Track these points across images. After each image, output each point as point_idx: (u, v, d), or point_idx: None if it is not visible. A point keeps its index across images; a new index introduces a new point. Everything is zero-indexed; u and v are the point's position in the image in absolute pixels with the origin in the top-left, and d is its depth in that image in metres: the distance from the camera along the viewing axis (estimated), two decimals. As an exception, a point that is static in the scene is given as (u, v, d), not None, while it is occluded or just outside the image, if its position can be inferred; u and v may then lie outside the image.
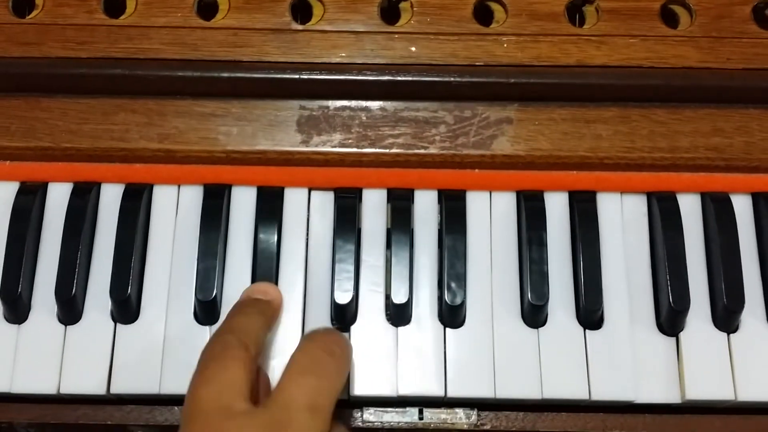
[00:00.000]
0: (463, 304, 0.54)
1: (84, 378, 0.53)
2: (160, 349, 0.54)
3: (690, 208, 0.57)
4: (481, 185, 0.58)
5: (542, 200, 0.57)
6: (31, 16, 0.58)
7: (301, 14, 0.59)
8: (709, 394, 0.54)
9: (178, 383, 0.52)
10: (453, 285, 0.55)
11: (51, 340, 0.54)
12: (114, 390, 0.53)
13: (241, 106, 0.57)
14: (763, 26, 0.58)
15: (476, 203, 0.57)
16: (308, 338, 0.49)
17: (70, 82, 0.56)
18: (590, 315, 0.54)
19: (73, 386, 0.53)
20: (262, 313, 0.51)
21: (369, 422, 0.55)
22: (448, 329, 0.55)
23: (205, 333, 0.54)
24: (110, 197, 0.57)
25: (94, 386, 0.53)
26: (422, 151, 0.57)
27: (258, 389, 0.50)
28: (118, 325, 0.54)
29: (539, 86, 0.56)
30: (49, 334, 0.54)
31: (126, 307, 0.54)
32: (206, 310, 0.54)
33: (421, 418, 0.55)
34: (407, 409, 0.55)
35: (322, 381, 0.46)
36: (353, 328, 0.55)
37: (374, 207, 0.57)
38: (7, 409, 0.55)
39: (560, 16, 0.58)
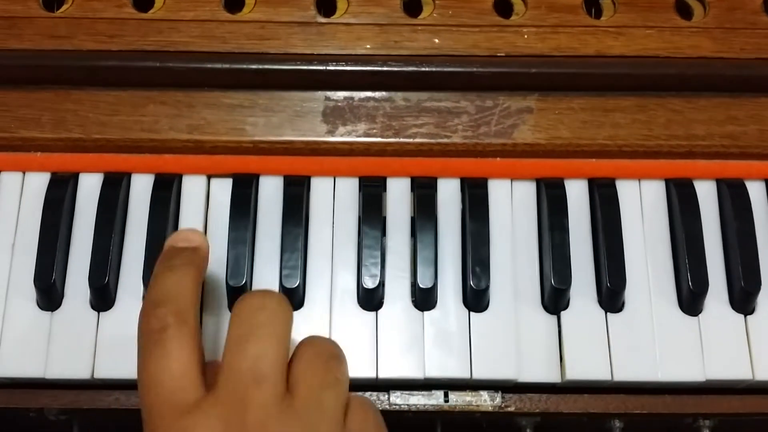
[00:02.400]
0: (487, 288, 0.56)
1: (117, 362, 0.54)
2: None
3: (706, 194, 0.59)
4: (502, 173, 0.59)
5: (563, 187, 0.58)
6: (61, 10, 0.59)
7: (326, 7, 0.60)
8: (728, 374, 0.55)
9: (210, 367, 0.53)
10: (477, 270, 0.56)
11: (84, 326, 0.55)
12: (147, 374, 0.54)
13: (267, 97, 0.59)
14: (775, 17, 0.60)
15: (498, 191, 0.59)
16: (238, 301, 0.46)
17: (100, 75, 0.58)
18: (614, 297, 0.55)
19: (106, 371, 0.54)
20: (191, 263, 0.48)
21: (396, 405, 0.56)
22: (472, 313, 0.56)
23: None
24: (140, 187, 0.58)
25: (128, 370, 0.54)
26: (445, 140, 0.58)
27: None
28: (151, 311, 0.56)
29: (559, 76, 0.58)
30: (83, 321, 0.55)
31: (158, 294, 0.55)
32: (237, 296, 0.55)
33: (446, 401, 0.56)
34: (433, 392, 0.56)
35: (261, 344, 0.43)
36: (380, 312, 0.56)
37: (398, 195, 0.59)
38: (40, 395, 0.56)
39: (578, 8, 0.60)
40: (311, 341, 0.47)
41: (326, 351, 0.47)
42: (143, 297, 0.56)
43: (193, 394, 0.43)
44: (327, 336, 0.55)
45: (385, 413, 0.56)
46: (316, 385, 0.45)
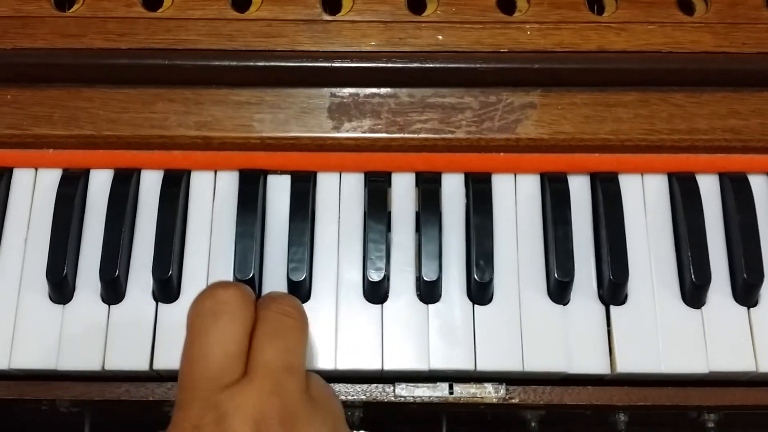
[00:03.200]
0: (491, 281, 0.56)
1: (127, 355, 0.55)
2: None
3: (709, 187, 0.59)
4: (506, 168, 0.60)
5: (566, 182, 0.59)
6: (72, 9, 0.60)
7: (331, 5, 0.61)
8: (732, 366, 0.55)
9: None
10: (481, 263, 0.57)
11: (95, 319, 0.56)
12: (156, 366, 0.55)
13: (274, 94, 0.60)
14: (776, 13, 0.60)
15: (502, 185, 0.60)
16: (264, 305, 0.49)
17: (110, 73, 0.59)
18: (617, 289, 0.56)
19: (117, 363, 0.55)
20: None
21: (401, 397, 0.57)
22: (476, 306, 0.57)
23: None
24: (150, 183, 0.59)
25: (138, 363, 0.55)
26: (449, 135, 0.59)
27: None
28: (160, 304, 0.57)
29: (562, 71, 0.58)
30: (94, 314, 0.56)
31: (167, 287, 0.56)
32: (244, 289, 0.56)
33: (451, 393, 0.57)
34: (438, 384, 0.57)
35: (289, 342, 0.47)
36: (385, 305, 0.57)
37: (403, 190, 0.59)
38: (52, 387, 0.57)
39: (580, 4, 0.60)
40: (273, 305, 0.49)
41: (289, 316, 0.49)
42: (153, 290, 0.57)
43: (236, 374, 0.46)
44: (333, 328, 0.56)
45: (390, 405, 0.57)
46: (324, 386, 0.49)
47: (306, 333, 0.49)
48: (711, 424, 0.59)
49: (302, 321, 0.49)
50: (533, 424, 0.59)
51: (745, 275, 0.56)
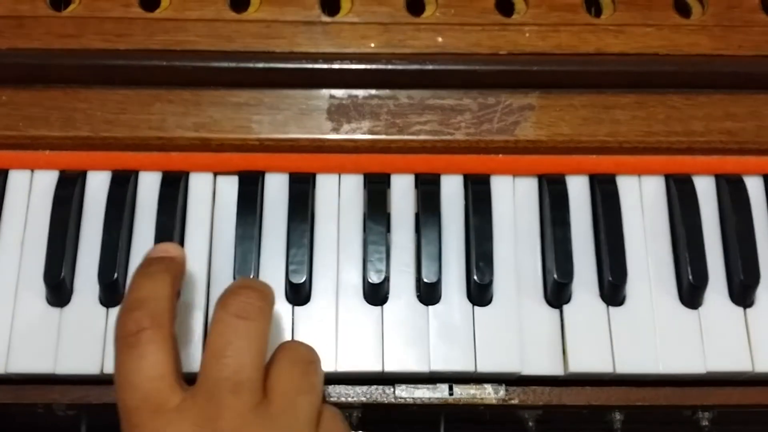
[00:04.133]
0: (491, 282, 0.57)
1: (127, 358, 0.55)
2: (200, 330, 0.55)
3: (705, 189, 0.60)
4: (504, 170, 0.60)
5: (564, 183, 0.59)
6: (69, 9, 0.60)
7: (330, 7, 0.61)
8: (729, 366, 0.56)
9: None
10: (481, 264, 0.57)
11: (93, 322, 0.56)
12: (156, 369, 0.55)
13: (273, 95, 0.59)
14: (772, 16, 0.61)
15: (500, 187, 0.60)
16: (220, 305, 0.47)
17: (108, 73, 0.58)
18: (615, 290, 0.56)
19: (116, 366, 0.55)
20: (167, 270, 0.50)
21: (401, 398, 0.57)
22: (476, 307, 0.57)
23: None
24: (148, 185, 0.59)
25: (137, 366, 0.55)
26: (448, 137, 0.59)
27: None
28: (159, 306, 0.56)
29: (561, 74, 0.59)
30: (92, 316, 0.56)
31: (167, 289, 0.56)
32: (245, 291, 0.56)
33: (451, 394, 0.57)
34: (438, 385, 0.57)
35: (240, 356, 0.45)
36: (385, 307, 0.57)
37: (403, 191, 0.59)
38: (49, 391, 0.56)
39: (578, 6, 0.61)
40: (289, 347, 0.49)
41: (303, 357, 0.48)
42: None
43: (168, 396, 0.45)
44: (333, 330, 0.56)
45: (390, 406, 0.57)
46: (291, 391, 0.46)
47: (265, 337, 0.47)
48: (705, 422, 0.59)
49: (260, 324, 0.47)
50: (531, 423, 0.60)
51: (741, 276, 0.57)
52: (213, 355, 0.45)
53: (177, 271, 0.51)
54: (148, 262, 0.51)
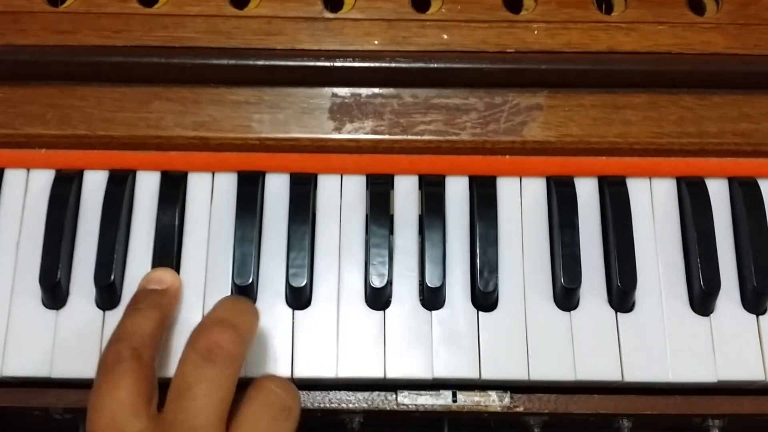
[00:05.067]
0: (496, 287, 0.55)
1: (123, 362, 0.54)
2: (197, 334, 0.54)
3: (718, 192, 0.58)
4: (511, 171, 0.58)
5: (573, 185, 0.58)
6: (65, 5, 0.59)
7: (333, 3, 0.60)
8: (740, 375, 0.54)
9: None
10: (486, 269, 0.55)
11: (90, 325, 0.55)
12: (153, 374, 0.54)
13: (273, 93, 0.58)
14: (789, 14, 0.59)
15: (507, 189, 0.58)
16: (190, 342, 0.47)
17: (105, 71, 0.57)
18: (624, 296, 0.55)
19: (112, 370, 0.54)
20: (156, 306, 0.51)
21: (403, 405, 0.56)
22: (481, 312, 0.55)
23: (242, 317, 0.55)
24: (146, 185, 0.58)
25: (134, 370, 0.54)
26: (453, 137, 0.58)
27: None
28: (156, 310, 0.55)
29: (570, 73, 0.57)
30: (88, 319, 0.55)
31: (164, 292, 0.55)
32: (243, 295, 0.55)
33: (455, 401, 0.56)
34: (441, 392, 0.56)
35: (199, 400, 0.45)
36: (388, 311, 0.56)
37: (406, 193, 0.58)
38: (45, 394, 0.55)
39: (589, 3, 0.59)
40: (264, 387, 0.48)
41: (277, 401, 0.47)
42: (148, 296, 0.55)
43: (134, 425, 0.46)
44: (334, 335, 0.55)
45: (392, 413, 0.56)
46: None
47: (233, 376, 0.46)
48: (715, 430, 0.58)
49: (228, 364, 0.46)
50: (536, 429, 0.59)
51: (754, 282, 0.55)
52: (174, 396, 0.46)
53: (168, 303, 0.53)
54: (140, 295, 0.53)
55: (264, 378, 0.48)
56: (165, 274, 0.54)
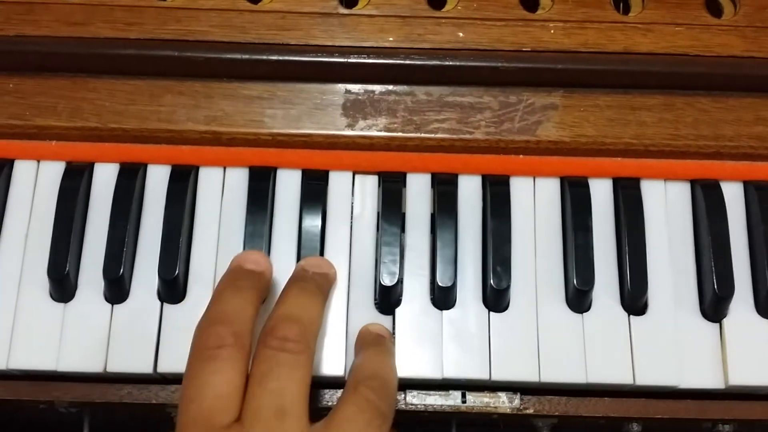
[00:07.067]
0: (508, 288, 0.55)
1: (131, 357, 0.53)
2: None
3: (733, 196, 0.58)
4: (525, 171, 0.58)
5: (587, 186, 0.57)
6: (78, -4, 0.58)
7: (347, -2, 0.60)
8: (752, 380, 0.54)
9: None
10: (498, 269, 0.55)
11: (98, 319, 0.54)
12: (161, 369, 0.53)
13: (286, 89, 0.58)
14: (807, 17, 0.58)
15: (520, 189, 0.58)
16: (263, 337, 0.46)
17: (117, 63, 0.57)
18: (635, 300, 0.54)
19: (119, 365, 0.53)
20: (255, 288, 0.49)
21: (412, 405, 0.55)
22: (492, 313, 0.55)
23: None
24: (157, 178, 0.57)
25: (141, 365, 0.53)
26: (467, 136, 0.57)
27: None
28: (165, 304, 0.55)
29: (586, 73, 0.56)
30: (96, 313, 0.54)
31: (173, 287, 0.54)
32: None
33: (464, 402, 0.55)
34: (450, 392, 0.56)
35: (282, 382, 0.44)
36: (398, 310, 0.55)
37: (419, 191, 0.58)
38: (52, 388, 0.55)
39: (606, 3, 0.58)
40: (363, 388, 0.47)
41: (373, 409, 0.46)
42: (158, 290, 0.55)
43: (229, 417, 0.44)
44: (343, 333, 0.54)
45: (400, 412, 0.56)
46: None
47: (307, 365, 0.46)
48: (726, 435, 0.58)
49: (302, 351, 0.46)
50: (545, 431, 0.58)
51: (768, 287, 0.55)
52: (256, 381, 0.45)
53: (265, 288, 0.51)
54: (238, 273, 0.50)
55: (360, 381, 0.47)
56: (261, 257, 0.51)
